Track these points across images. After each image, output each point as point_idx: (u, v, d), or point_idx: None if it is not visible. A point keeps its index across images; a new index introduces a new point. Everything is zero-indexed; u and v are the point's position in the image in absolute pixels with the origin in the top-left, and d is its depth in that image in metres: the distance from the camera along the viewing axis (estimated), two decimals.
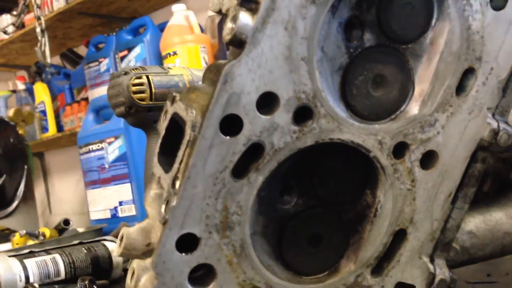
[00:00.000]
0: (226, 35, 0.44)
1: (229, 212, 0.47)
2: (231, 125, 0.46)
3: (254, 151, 0.47)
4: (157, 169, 0.52)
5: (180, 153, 0.47)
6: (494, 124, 0.53)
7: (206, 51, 2.08)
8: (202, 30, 2.16)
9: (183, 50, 2.12)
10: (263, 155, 0.47)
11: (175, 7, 2.16)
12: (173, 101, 0.53)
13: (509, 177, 0.66)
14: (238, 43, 0.44)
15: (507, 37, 0.51)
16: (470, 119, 0.52)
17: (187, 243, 0.47)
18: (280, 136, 0.47)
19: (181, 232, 0.46)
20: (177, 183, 0.46)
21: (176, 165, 0.47)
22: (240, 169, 0.47)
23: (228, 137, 0.45)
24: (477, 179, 0.55)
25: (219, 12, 0.49)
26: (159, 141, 0.54)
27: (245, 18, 0.44)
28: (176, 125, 0.52)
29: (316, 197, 0.51)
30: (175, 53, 2.12)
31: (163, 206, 0.47)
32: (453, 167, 0.53)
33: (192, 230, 0.46)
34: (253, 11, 0.44)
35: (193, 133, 0.46)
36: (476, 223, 0.60)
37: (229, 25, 0.44)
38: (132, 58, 2.18)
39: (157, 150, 0.54)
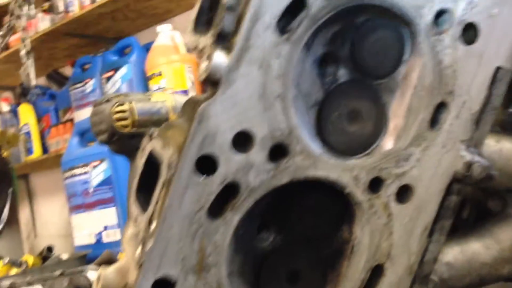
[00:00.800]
0: (201, 74, 0.45)
1: (206, 252, 0.47)
2: (207, 164, 0.46)
3: (230, 190, 0.47)
4: (134, 208, 0.52)
5: (156, 193, 0.47)
6: (468, 157, 0.53)
7: (192, 70, 2.08)
8: (188, 50, 2.16)
9: (169, 70, 2.12)
10: (239, 194, 0.47)
11: (161, 28, 2.16)
12: (150, 137, 0.53)
13: (487, 205, 0.67)
14: (212, 82, 0.45)
15: (479, 70, 0.52)
16: (444, 153, 0.52)
17: (162, 286, 0.46)
18: (256, 175, 0.47)
19: (157, 276, 0.45)
20: (153, 224, 0.46)
21: (152, 206, 0.47)
22: (216, 209, 0.47)
23: (204, 176, 0.45)
24: (453, 211, 0.55)
25: (195, 49, 0.49)
26: (137, 178, 0.53)
27: (220, 57, 0.44)
28: (154, 161, 0.52)
29: (293, 234, 0.51)
30: (160, 73, 2.12)
31: (139, 248, 0.46)
32: (429, 200, 0.53)
33: (168, 272, 0.46)
34: (227, 50, 0.44)
35: (169, 173, 0.46)
36: (454, 254, 0.60)
37: (204, 64, 0.45)
38: (118, 79, 2.18)
39: (134, 186, 0.53)
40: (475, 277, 0.60)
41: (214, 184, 0.46)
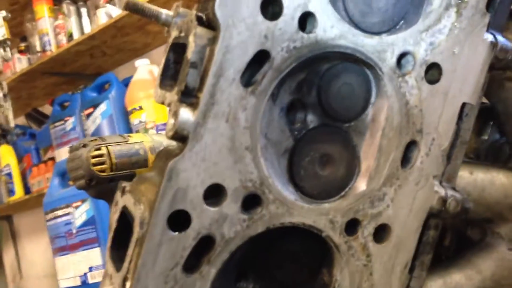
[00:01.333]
0: (168, 131, 0.45)
1: None
2: (179, 219, 0.46)
3: (205, 244, 0.47)
4: (109, 266, 0.51)
5: (129, 252, 0.46)
6: (442, 192, 0.53)
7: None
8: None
9: (148, 104, 2.12)
10: (214, 247, 0.46)
11: (139, 62, 2.17)
12: (123, 192, 0.53)
13: (466, 234, 0.67)
14: (180, 138, 0.45)
15: (445, 108, 0.53)
16: (418, 190, 0.53)
17: None
18: (230, 226, 0.47)
19: None
20: (127, 285, 0.45)
21: (126, 265, 0.46)
22: (192, 264, 0.46)
23: (177, 233, 0.45)
24: (431, 245, 0.55)
25: (162, 104, 0.49)
26: (111, 235, 0.53)
27: (186, 113, 0.44)
28: (127, 216, 0.51)
29: (272, 280, 0.51)
30: (141, 108, 2.12)
31: None
32: (407, 237, 0.53)
33: None
34: (193, 106, 0.45)
35: (142, 230, 0.45)
36: (437, 287, 0.60)
37: (170, 121, 0.45)
38: (98, 115, 2.17)
39: (108, 243, 0.53)
40: None
41: (188, 239, 0.45)
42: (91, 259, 1.63)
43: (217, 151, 0.45)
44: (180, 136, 0.44)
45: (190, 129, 0.44)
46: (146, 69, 2.16)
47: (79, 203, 1.67)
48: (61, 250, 1.73)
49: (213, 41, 0.45)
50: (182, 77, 0.45)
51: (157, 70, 2.15)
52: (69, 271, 1.69)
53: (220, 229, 0.46)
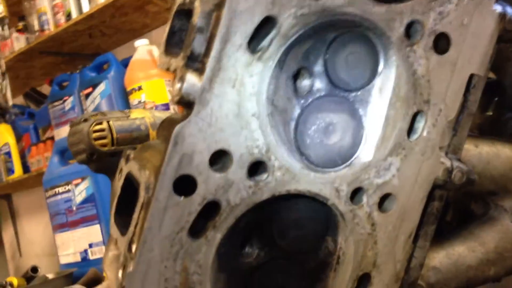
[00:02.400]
0: (175, 96, 0.44)
1: (189, 272, 0.46)
2: (185, 184, 0.45)
3: (211, 209, 0.46)
4: (114, 230, 0.51)
5: (135, 216, 0.46)
6: (448, 163, 0.53)
7: (171, 84, 2.07)
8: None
9: (148, 85, 2.11)
10: (220, 213, 0.46)
11: (138, 42, 2.15)
12: (127, 159, 0.52)
13: (469, 208, 0.67)
14: (186, 104, 0.44)
15: (453, 79, 0.52)
16: (424, 160, 0.53)
17: None
18: (236, 192, 0.46)
19: None
20: (133, 247, 0.45)
21: (131, 228, 0.46)
22: (197, 228, 0.46)
23: (182, 197, 0.45)
24: (436, 216, 0.55)
25: (167, 70, 0.49)
26: (115, 200, 0.53)
27: (192, 79, 0.44)
28: (132, 183, 0.51)
29: (277, 248, 0.51)
30: (140, 88, 2.11)
31: (120, 272, 0.45)
32: (411, 207, 0.53)
33: None
34: (199, 71, 0.44)
35: (147, 195, 0.45)
36: (440, 259, 0.60)
37: (177, 86, 0.44)
38: (97, 95, 2.16)
39: (113, 209, 0.53)
40: (462, 280, 0.60)
41: (193, 204, 0.45)
42: (91, 235, 1.64)
43: (223, 117, 0.45)
44: (186, 101, 0.44)
45: (196, 94, 0.44)
46: (145, 50, 2.14)
47: (79, 181, 1.67)
48: (61, 227, 1.73)
49: (219, 6, 0.44)
50: (188, 42, 0.44)
51: (156, 51, 2.13)
52: (69, 248, 1.70)
53: (226, 195, 0.46)
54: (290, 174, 0.48)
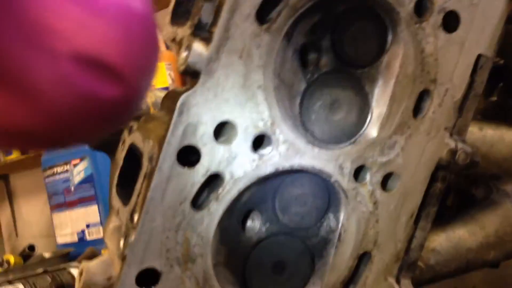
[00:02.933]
0: (180, 65, 0.44)
1: (191, 244, 0.46)
2: (189, 155, 0.45)
3: (214, 181, 0.46)
4: (116, 201, 0.51)
5: (137, 186, 0.46)
6: (452, 144, 0.53)
7: (172, 68, 2.06)
8: (167, 47, 2.14)
9: None
10: (223, 185, 0.46)
11: None
12: (130, 130, 0.52)
13: (471, 192, 0.67)
14: (192, 73, 0.44)
15: (461, 58, 0.52)
16: (428, 140, 0.52)
17: (147, 277, 0.45)
18: (239, 165, 0.46)
19: (141, 268, 0.44)
20: (135, 217, 0.45)
21: (134, 198, 0.46)
22: (200, 200, 0.46)
23: (186, 168, 0.45)
24: (438, 198, 0.55)
25: (173, 41, 0.48)
26: (117, 172, 0.52)
27: (199, 48, 0.43)
28: (134, 154, 0.51)
29: (279, 224, 0.51)
30: None
31: (122, 241, 0.45)
32: (414, 187, 0.53)
33: (152, 264, 0.45)
34: (206, 40, 0.44)
35: (150, 165, 0.45)
36: (440, 241, 0.60)
37: (183, 54, 0.44)
38: None
39: (115, 181, 0.52)
40: (461, 263, 0.60)
41: (197, 175, 0.45)
42: (89, 216, 1.64)
43: (229, 88, 0.44)
44: (192, 71, 0.43)
45: (202, 63, 0.43)
46: None
47: (77, 161, 1.67)
48: (58, 206, 1.73)
49: None
50: (196, 11, 0.44)
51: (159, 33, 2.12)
52: (66, 228, 1.70)
53: (229, 167, 0.46)
54: (294, 149, 0.48)
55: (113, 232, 0.51)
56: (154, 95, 1.06)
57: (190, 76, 0.44)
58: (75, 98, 0.28)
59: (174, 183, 0.44)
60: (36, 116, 0.28)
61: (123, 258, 0.44)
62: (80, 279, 0.51)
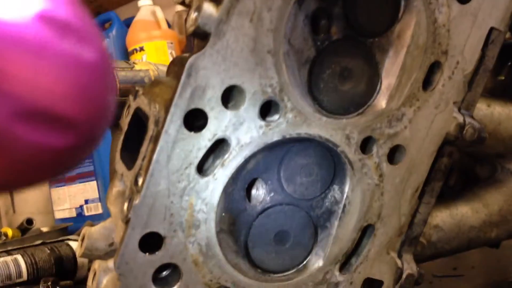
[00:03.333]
0: (190, 26, 0.43)
1: (195, 209, 0.46)
2: (195, 120, 0.45)
3: (220, 147, 0.46)
4: (120, 166, 0.50)
5: (143, 149, 0.45)
6: (460, 118, 0.53)
7: (174, 47, 2.05)
8: (169, 26, 2.13)
9: (150, 46, 2.08)
10: (229, 151, 0.45)
11: (142, 2, 2.11)
12: (135, 95, 0.51)
13: (475, 172, 0.67)
14: (202, 35, 0.43)
15: (473, 30, 0.51)
16: (437, 113, 0.52)
17: (151, 242, 0.45)
18: (246, 131, 0.46)
19: (145, 231, 0.44)
20: (140, 180, 0.44)
21: (139, 162, 0.45)
22: (206, 166, 0.46)
23: (192, 132, 0.44)
24: (443, 173, 0.55)
25: (183, 3, 0.47)
26: (122, 136, 0.52)
27: (209, 9, 0.42)
28: (139, 120, 0.50)
29: (283, 194, 0.50)
30: (142, 49, 2.08)
31: (126, 204, 0.45)
32: (420, 161, 0.52)
33: (156, 229, 0.45)
34: (217, 1, 0.43)
35: (156, 128, 0.44)
36: (443, 218, 0.60)
37: (192, 15, 0.43)
38: None
39: (119, 146, 0.52)
40: (463, 240, 0.60)
41: (203, 140, 0.44)
42: (88, 192, 1.64)
43: (239, 51, 0.44)
44: (202, 32, 0.43)
45: (212, 25, 0.42)
46: (148, 10, 2.11)
47: None
48: (57, 181, 1.72)
49: None
50: None
51: (160, 12, 2.10)
52: (64, 203, 1.70)
53: (236, 133, 0.45)
54: (302, 117, 0.47)
55: (116, 197, 0.50)
56: (156, 69, 1.05)
57: (199, 38, 0.44)
58: (21, 150, 0.28)
59: (180, 147, 0.44)
60: None
61: (126, 221, 0.44)
62: (81, 244, 0.51)
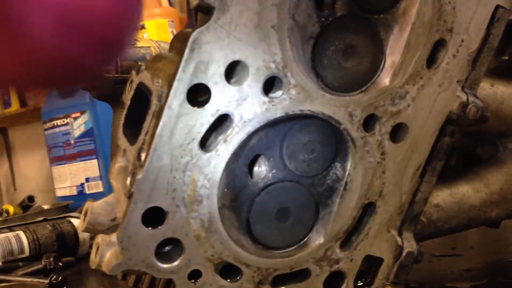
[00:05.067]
0: (193, 0, 0.43)
1: (197, 185, 0.46)
2: (198, 95, 0.45)
3: (223, 123, 0.46)
4: (122, 141, 0.50)
5: (146, 124, 0.45)
6: (464, 97, 0.52)
7: (174, 25, 2.03)
8: (170, 4, 2.11)
9: (151, 24, 2.07)
10: (232, 127, 0.45)
11: None
12: (138, 70, 0.51)
13: (476, 152, 0.67)
14: (205, 9, 0.43)
15: (478, 8, 0.51)
16: (440, 92, 0.52)
17: (153, 217, 0.45)
18: (249, 107, 0.45)
19: (147, 206, 0.44)
20: (143, 155, 0.44)
21: (142, 137, 0.45)
22: (209, 141, 0.46)
23: (195, 107, 0.44)
24: (445, 152, 0.55)
25: None
26: (124, 112, 0.52)
27: None
28: (142, 95, 0.50)
29: (285, 171, 0.51)
30: (143, 27, 2.07)
31: (129, 179, 0.45)
32: (422, 140, 0.52)
33: (158, 203, 0.45)
34: None
35: (159, 103, 0.44)
36: (443, 197, 0.60)
37: None
38: None
39: (122, 121, 0.52)
40: (463, 219, 0.61)
41: (206, 115, 0.44)
42: (88, 170, 1.64)
43: (243, 26, 0.43)
44: (206, 6, 0.42)
45: None
46: None
47: (78, 114, 1.65)
48: (58, 159, 1.73)
49: None
50: None
51: None
52: (65, 181, 1.70)
53: (239, 108, 0.45)
54: (305, 93, 0.47)
55: (119, 172, 0.51)
56: (158, 46, 1.04)
57: (203, 12, 0.43)
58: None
59: (183, 122, 0.44)
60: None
61: (129, 195, 0.44)
62: (84, 219, 0.51)
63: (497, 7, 0.51)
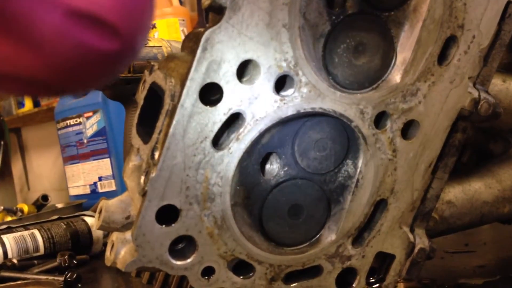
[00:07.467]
0: (205, 0, 0.43)
1: (210, 183, 0.46)
2: (211, 94, 0.45)
3: (235, 121, 0.46)
4: (136, 140, 0.51)
5: (159, 123, 0.46)
6: (475, 94, 0.52)
7: (185, 24, 2.04)
8: (181, 3, 2.12)
9: (162, 23, 2.08)
10: (244, 125, 0.46)
11: None
12: (151, 70, 0.52)
13: (488, 148, 0.67)
14: (217, 9, 0.43)
15: (490, 4, 0.50)
16: (452, 88, 0.52)
17: (167, 214, 0.46)
18: (261, 106, 0.46)
19: (161, 204, 0.45)
20: (156, 154, 0.45)
21: (155, 135, 0.46)
22: (221, 140, 0.46)
23: (208, 106, 0.44)
24: (457, 149, 0.55)
25: None
26: (137, 111, 0.52)
27: None
28: (155, 95, 0.51)
29: (297, 168, 0.51)
30: (154, 26, 2.08)
31: (143, 177, 0.46)
32: (434, 136, 0.53)
33: (172, 201, 0.45)
34: None
35: (172, 102, 0.45)
36: (455, 193, 0.60)
37: None
38: None
39: (135, 120, 0.52)
40: (476, 216, 0.61)
41: (218, 114, 0.45)
42: (101, 169, 1.65)
43: (254, 25, 0.44)
44: (217, 6, 0.43)
45: None
46: None
47: (90, 114, 1.67)
48: (71, 159, 1.75)
49: None
50: None
51: None
52: (79, 180, 1.72)
53: (251, 107, 0.46)
54: (316, 91, 0.47)
55: (133, 171, 0.51)
56: (169, 45, 1.05)
57: (214, 12, 0.44)
58: (72, 48, 0.32)
59: (195, 121, 0.44)
60: (37, 64, 0.32)
61: (144, 193, 0.45)
62: (99, 217, 0.52)
63: (509, 3, 0.51)
